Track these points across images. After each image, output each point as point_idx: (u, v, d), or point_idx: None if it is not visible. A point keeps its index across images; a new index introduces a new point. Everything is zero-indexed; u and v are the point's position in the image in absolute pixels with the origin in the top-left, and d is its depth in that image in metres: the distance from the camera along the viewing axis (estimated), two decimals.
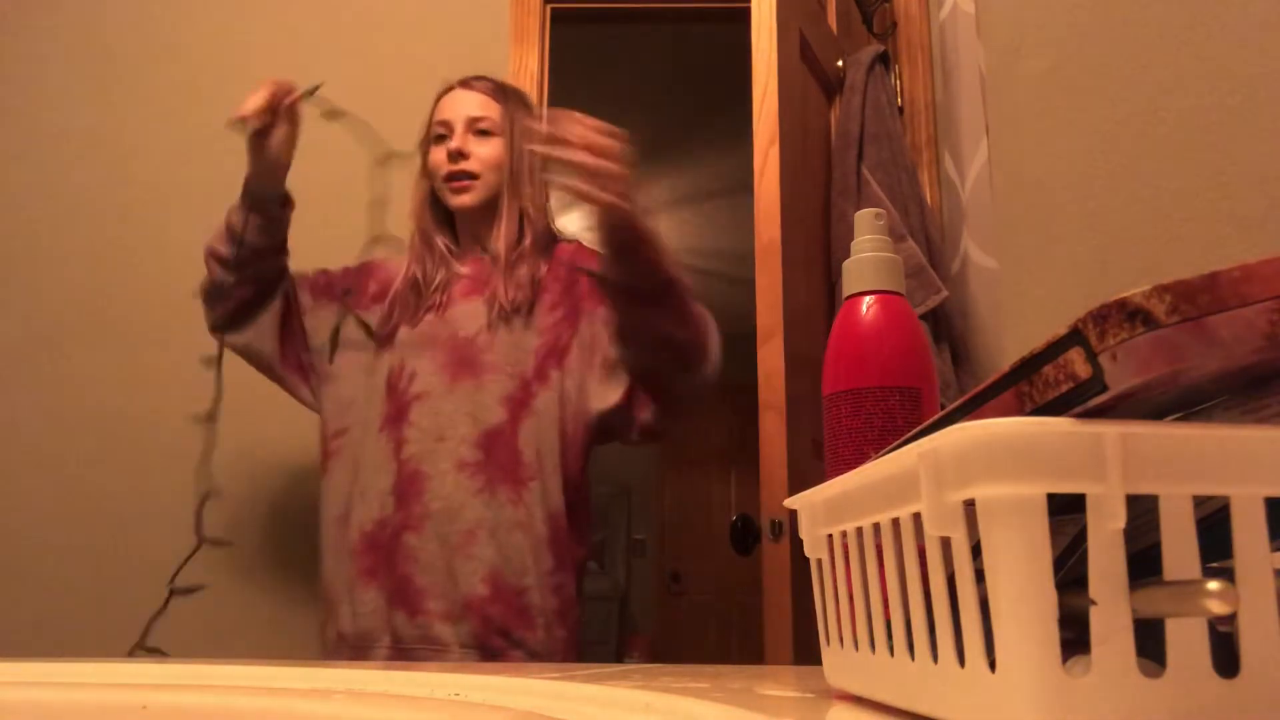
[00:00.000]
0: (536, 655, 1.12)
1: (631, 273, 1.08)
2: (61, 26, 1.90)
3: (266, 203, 1.20)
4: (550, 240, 1.28)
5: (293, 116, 1.17)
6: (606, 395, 1.20)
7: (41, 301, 1.78)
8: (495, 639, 1.11)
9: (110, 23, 1.89)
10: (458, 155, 1.21)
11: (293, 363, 1.28)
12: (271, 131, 1.15)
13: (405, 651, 1.12)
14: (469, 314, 1.21)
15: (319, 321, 1.29)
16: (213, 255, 1.23)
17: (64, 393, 1.73)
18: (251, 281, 1.24)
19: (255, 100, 1.13)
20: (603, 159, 0.98)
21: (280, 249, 1.25)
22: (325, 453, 1.24)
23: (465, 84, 1.26)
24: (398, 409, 1.18)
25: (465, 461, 1.14)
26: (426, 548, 1.12)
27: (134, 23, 1.90)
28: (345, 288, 1.31)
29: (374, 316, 1.26)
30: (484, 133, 1.23)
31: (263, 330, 1.26)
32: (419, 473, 1.15)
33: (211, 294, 1.25)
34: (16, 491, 1.69)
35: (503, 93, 1.26)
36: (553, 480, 1.17)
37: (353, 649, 1.14)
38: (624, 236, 1.05)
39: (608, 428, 1.22)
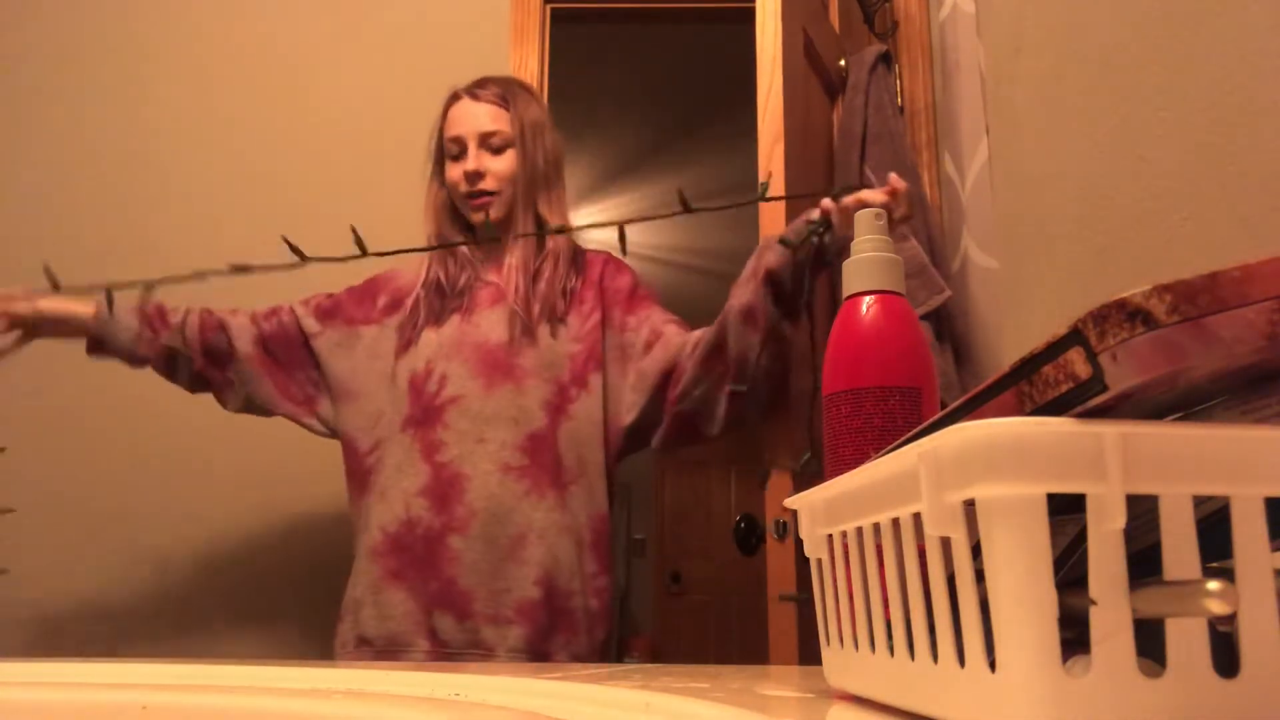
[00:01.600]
0: (578, 659, 1.13)
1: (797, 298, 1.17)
2: (62, 27, 1.90)
3: (96, 348, 1.28)
4: (576, 250, 1.28)
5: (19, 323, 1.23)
6: (632, 411, 1.23)
7: None
8: (546, 644, 1.11)
9: (111, 25, 1.89)
10: (474, 176, 1.22)
11: (295, 396, 1.29)
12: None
13: (449, 656, 1.11)
14: (496, 320, 1.21)
15: (332, 344, 1.28)
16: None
17: (70, 392, 1.73)
18: (202, 367, 1.29)
19: None
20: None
21: (178, 341, 1.28)
22: (363, 469, 1.23)
23: (473, 94, 1.25)
24: (426, 411, 1.17)
25: (509, 465, 1.14)
26: (473, 549, 1.12)
27: (134, 24, 1.90)
28: (360, 309, 1.31)
29: (388, 329, 1.26)
30: (498, 148, 1.23)
31: (249, 378, 1.28)
32: (459, 474, 1.14)
33: (191, 388, 1.32)
34: (16, 491, 1.69)
35: (510, 97, 1.25)
36: (597, 484, 1.19)
37: (378, 653, 1.12)
38: (814, 269, 1.16)
39: (635, 438, 1.26)
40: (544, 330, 1.20)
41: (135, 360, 1.27)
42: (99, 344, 1.26)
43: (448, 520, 1.13)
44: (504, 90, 1.26)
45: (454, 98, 1.27)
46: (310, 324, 1.29)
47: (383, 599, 1.13)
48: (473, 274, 1.24)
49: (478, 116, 1.23)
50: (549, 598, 1.12)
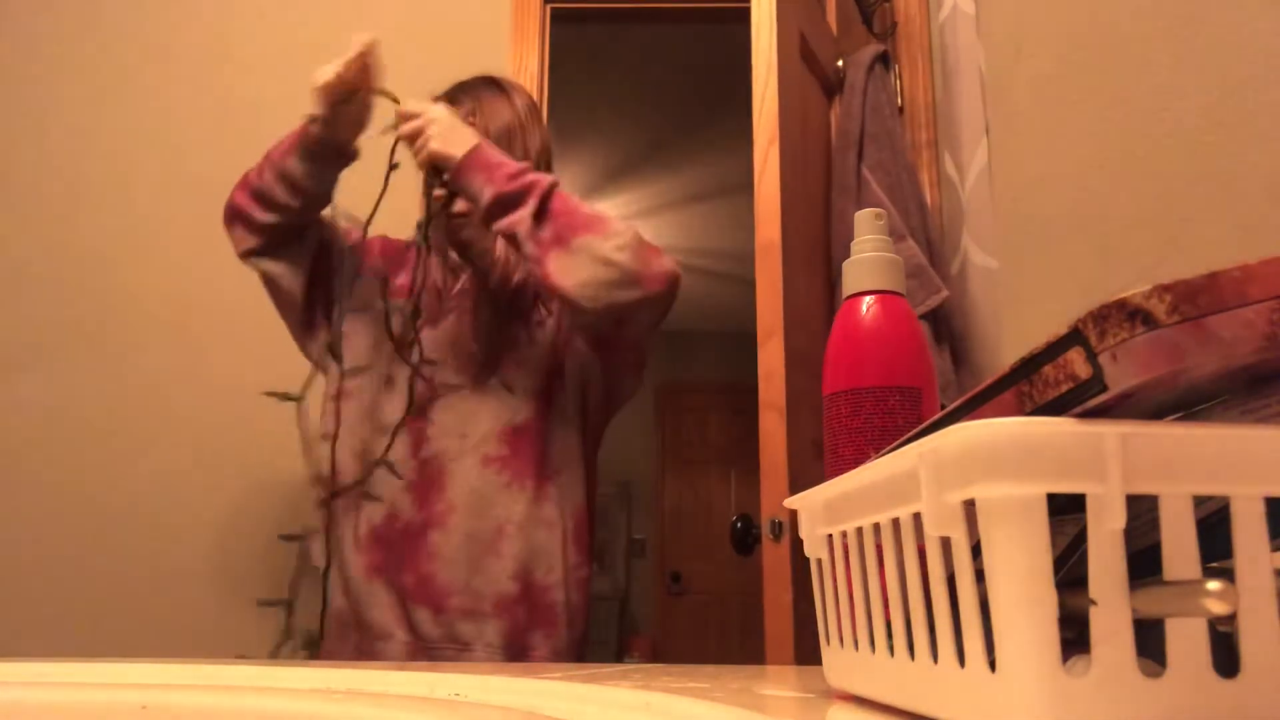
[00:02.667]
0: (558, 654, 1.12)
1: (481, 193, 1.09)
2: (60, 27, 1.90)
3: (333, 157, 1.17)
4: None
5: (369, 90, 1.16)
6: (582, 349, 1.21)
7: (44, 302, 1.78)
8: (523, 638, 1.11)
9: (109, 24, 1.90)
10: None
11: (320, 306, 1.25)
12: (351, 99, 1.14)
13: (427, 650, 1.11)
14: (485, 320, 1.21)
15: (354, 289, 1.27)
16: (259, 198, 1.18)
17: (65, 394, 1.73)
18: (290, 225, 1.21)
19: (336, 74, 1.13)
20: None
21: (329, 195, 1.22)
22: (338, 392, 1.22)
23: None
24: (417, 408, 1.18)
25: (490, 456, 1.14)
26: (451, 543, 1.12)
27: (133, 24, 1.90)
28: (383, 268, 1.29)
29: (394, 308, 1.26)
30: None
31: (295, 269, 1.22)
32: (442, 469, 1.14)
33: (245, 225, 1.20)
34: (17, 492, 1.69)
35: (479, 108, 1.23)
36: (576, 474, 1.19)
37: (359, 640, 1.13)
38: (453, 169, 1.10)
39: (612, 391, 1.23)
40: (529, 325, 1.20)
41: (320, 183, 1.18)
42: (329, 159, 1.17)
43: (428, 514, 1.13)
44: (474, 103, 1.24)
45: None
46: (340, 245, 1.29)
47: (363, 589, 1.14)
48: (463, 278, 1.25)
49: None
50: (526, 591, 1.12)
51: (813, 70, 1.57)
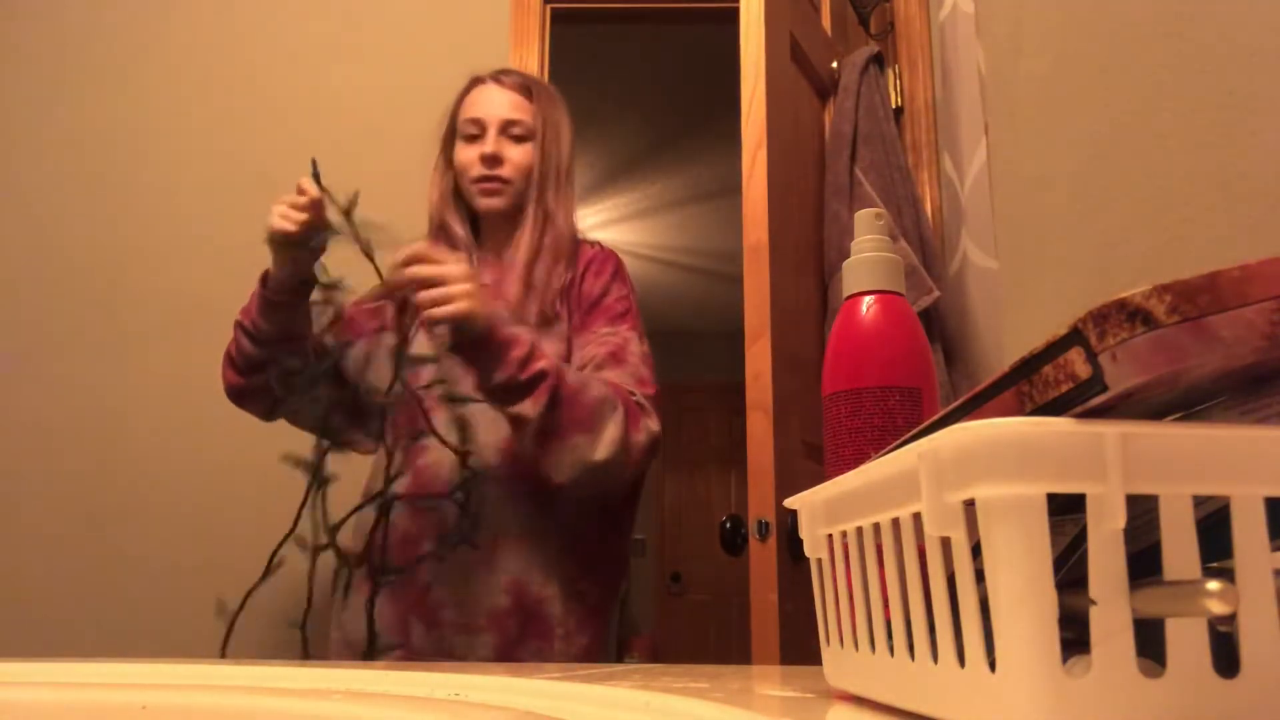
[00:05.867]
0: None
1: (490, 368, 1.02)
2: (66, 27, 1.90)
3: (295, 290, 1.12)
4: (575, 246, 1.25)
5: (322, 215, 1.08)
6: None
7: (47, 303, 1.78)
8: (515, 652, 1.09)
9: (114, 24, 1.90)
10: (492, 160, 1.19)
11: (359, 424, 1.24)
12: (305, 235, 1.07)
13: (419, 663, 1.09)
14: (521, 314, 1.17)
15: (355, 357, 1.25)
16: (249, 367, 1.15)
17: (68, 394, 1.73)
18: (290, 367, 1.16)
19: (290, 214, 1.05)
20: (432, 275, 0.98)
21: (307, 332, 1.16)
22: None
23: (497, 80, 1.23)
24: (411, 415, 1.16)
25: (487, 466, 1.12)
26: (447, 557, 1.10)
27: (137, 24, 1.90)
28: (378, 323, 1.26)
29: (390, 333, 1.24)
30: (518, 137, 1.20)
31: (322, 403, 1.18)
32: (438, 478, 1.13)
33: (244, 396, 1.19)
34: (18, 493, 1.69)
35: (536, 91, 1.23)
36: None
37: (355, 654, 1.12)
38: (478, 342, 1.01)
39: None
40: (545, 328, 1.18)
41: (289, 323, 1.11)
42: (291, 294, 1.10)
43: (423, 525, 1.11)
44: (529, 83, 1.24)
45: (477, 81, 1.25)
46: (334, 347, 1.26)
47: (358, 602, 1.12)
48: (471, 265, 1.23)
49: (501, 103, 1.21)
50: (519, 605, 1.09)
51: (805, 72, 1.57)
